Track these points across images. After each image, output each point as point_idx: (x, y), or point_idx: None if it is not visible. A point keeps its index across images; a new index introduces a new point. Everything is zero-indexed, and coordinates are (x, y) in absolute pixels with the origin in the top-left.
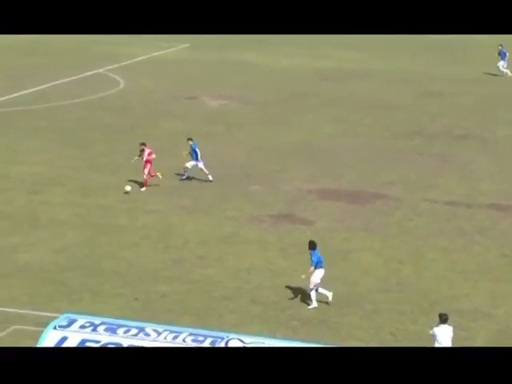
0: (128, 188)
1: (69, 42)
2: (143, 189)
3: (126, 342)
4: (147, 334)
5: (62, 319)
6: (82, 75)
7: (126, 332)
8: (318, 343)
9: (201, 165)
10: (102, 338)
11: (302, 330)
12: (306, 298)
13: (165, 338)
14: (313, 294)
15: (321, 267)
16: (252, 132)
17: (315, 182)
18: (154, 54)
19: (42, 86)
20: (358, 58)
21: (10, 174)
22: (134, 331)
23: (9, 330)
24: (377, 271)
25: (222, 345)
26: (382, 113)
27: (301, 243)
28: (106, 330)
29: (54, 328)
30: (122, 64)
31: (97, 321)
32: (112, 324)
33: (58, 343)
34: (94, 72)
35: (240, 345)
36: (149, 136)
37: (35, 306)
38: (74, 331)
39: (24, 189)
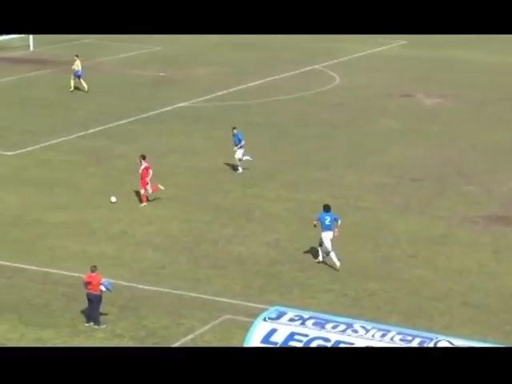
0: (113, 199)
1: (287, 38)
2: (142, 204)
3: (334, 338)
4: (355, 331)
5: (272, 311)
6: (299, 71)
7: (334, 327)
8: None
9: (239, 153)
10: (310, 332)
11: None
12: None
13: (373, 336)
14: (320, 251)
15: (327, 230)
16: (467, 131)
17: None
18: (370, 51)
19: (260, 81)
20: None
21: (226, 168)
22: (342, 327)
23: (221, 319)
24: None
25: (431, 346)
26: None
27: None
28: (314, 324)
29: (264, 320)
30: (339, 60)
31: (305, 315)
32: (320, 319)
33: (267, 335)
34: (311, 68)
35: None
36: (363, 133)
37: (247, 297)
38: (283, 324)
39: (239, 182)
